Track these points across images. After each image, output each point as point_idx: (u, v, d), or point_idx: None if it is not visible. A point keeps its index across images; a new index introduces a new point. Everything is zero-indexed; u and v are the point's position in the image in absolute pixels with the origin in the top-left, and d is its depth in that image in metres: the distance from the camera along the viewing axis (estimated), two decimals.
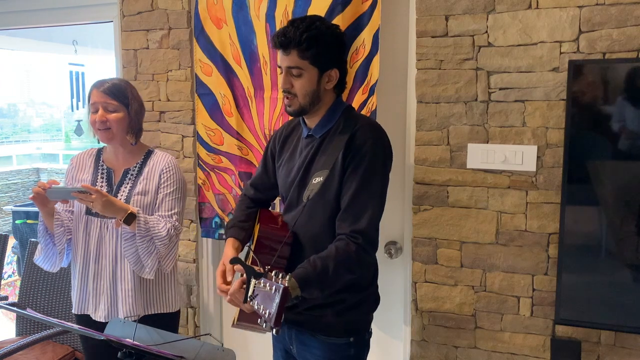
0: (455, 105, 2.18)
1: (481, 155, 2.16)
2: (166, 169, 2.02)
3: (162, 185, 2.01)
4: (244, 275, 1.46)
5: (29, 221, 5.18)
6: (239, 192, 2.58)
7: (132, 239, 1.92)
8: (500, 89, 2.12)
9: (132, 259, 1.94)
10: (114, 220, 1.95)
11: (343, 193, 1.59)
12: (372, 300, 1.76)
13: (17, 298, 2.82)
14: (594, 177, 1.94)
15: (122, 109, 1.98)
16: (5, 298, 3.30)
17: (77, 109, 6.00)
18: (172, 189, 2.01)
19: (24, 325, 2.77)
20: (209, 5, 2.50)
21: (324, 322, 1.66)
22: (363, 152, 1.57)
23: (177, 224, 1.99)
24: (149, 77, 2.72)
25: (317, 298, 1.55)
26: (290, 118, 1.86)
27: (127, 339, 1.50)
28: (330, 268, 1.50)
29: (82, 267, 2.02)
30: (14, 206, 5.52)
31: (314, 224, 1.64)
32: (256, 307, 1.35)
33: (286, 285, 1.30)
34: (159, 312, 2.05)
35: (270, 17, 2.37)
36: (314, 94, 1.61)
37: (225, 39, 2.50)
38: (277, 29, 2.36)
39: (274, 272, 1.36)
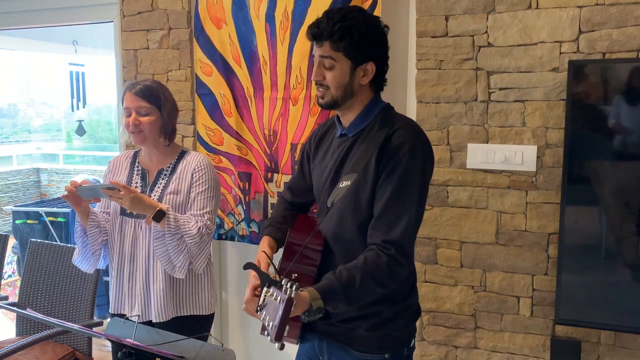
0: (455, 105, 2.18)
1: (481, 155, 2.16)
2: (198, 168, 2.00)
3: (194, 184, 1.99)
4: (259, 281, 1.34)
5: (29, 221, 5.17)
6: (239, 192, 2.59)
7: (162, 237, 1.90)
8: (500, 89, 2.12)
9: (163, 258, 1.92)
10: None
11: (376, 199, 1.46)
12: (411, 312, 1.61)
13: (17, 298, 2.81)
14: (593, 177, 1.94)
15: (154, 111, 1.96)
16: (5, 298, 3.30)
17: (77, 109, 6.00)
18: (204, 188, 1.99)
19: (24, 325, 2.77)
20: (208, 5, 2.51)
21: (357, 336, 1.54)
22: (399, 156, 1.44)
23: (208, 222, 1.95)
24: (149, 77, 2.71)
25: (345, 312, 1.43)
26: (326, 119, 1.77)
27: (127, 339, 1.50)
28: (357, 280, 1.37)
29: (118, 267, 2.02)
30: (14, 206, 5.51)
31: (344, 231, 1.52)
32: (262, 318, 1.25)
33: (291, 296, 1.17)
34: (191, 314, 2.02)
35: (270, 17, 2.37)
36: (347, 87, 1.49)
37: (225, 39, 2.50)
38: (277, 29, 2.38)
39: (283, 281, 1.23)
